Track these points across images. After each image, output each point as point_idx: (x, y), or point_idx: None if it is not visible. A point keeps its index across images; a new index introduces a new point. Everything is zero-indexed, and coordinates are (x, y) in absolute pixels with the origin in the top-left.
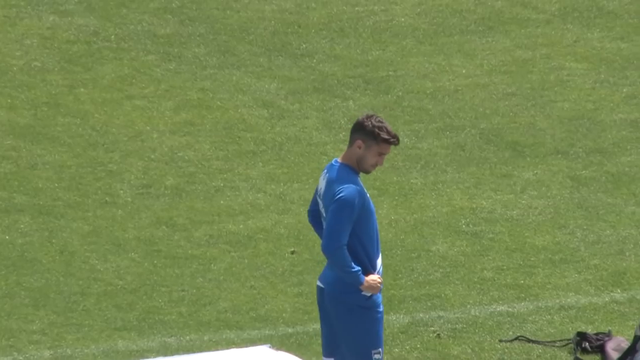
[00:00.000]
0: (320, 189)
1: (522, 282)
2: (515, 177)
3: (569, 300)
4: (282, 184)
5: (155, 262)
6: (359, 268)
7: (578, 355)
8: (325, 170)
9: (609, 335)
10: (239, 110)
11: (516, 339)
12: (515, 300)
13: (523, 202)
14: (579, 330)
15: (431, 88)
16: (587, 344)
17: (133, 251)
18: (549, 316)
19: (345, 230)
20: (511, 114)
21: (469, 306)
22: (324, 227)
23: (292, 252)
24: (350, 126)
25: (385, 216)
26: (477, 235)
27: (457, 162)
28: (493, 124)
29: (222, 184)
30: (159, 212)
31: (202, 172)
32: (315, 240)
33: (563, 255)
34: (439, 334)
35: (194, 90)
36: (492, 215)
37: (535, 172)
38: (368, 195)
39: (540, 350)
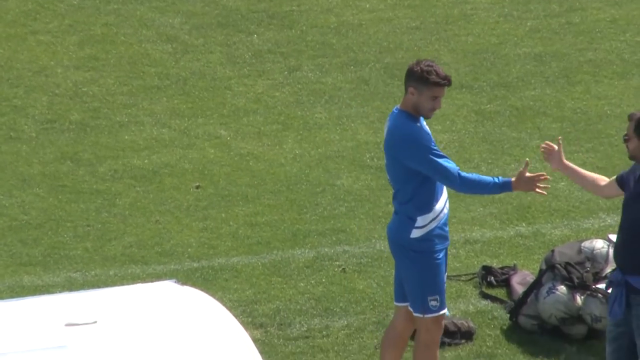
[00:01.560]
0: (385, 139)
1: None
2: None
3: (474, 234)
4: (186, 119)
5: (60, 197)
6: (497, 185)
7: (483, 289)
8: (388, 119)
9: (514, 269)
10: (143, 45)
11: None
12: None
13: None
14: (484, 264)
15: (335, 22)
16: (492, 278)
17: (38, 186)
18: (454, 250)
19: (444, 162)
20: (415, 48)
21: (374, 240)
22: (433, 173)
23: (197, 187)
24: (254, 61)
25: (289, 151)
26: (382, 170)
27: (362, 96)
28: (397, 59)
29: (126, 119)
30: (63, 147)
31: (106, 107)
32: (219, 175)
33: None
34: (344, 269)
35: (97, 25)
36: None
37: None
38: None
39: (447, 285)
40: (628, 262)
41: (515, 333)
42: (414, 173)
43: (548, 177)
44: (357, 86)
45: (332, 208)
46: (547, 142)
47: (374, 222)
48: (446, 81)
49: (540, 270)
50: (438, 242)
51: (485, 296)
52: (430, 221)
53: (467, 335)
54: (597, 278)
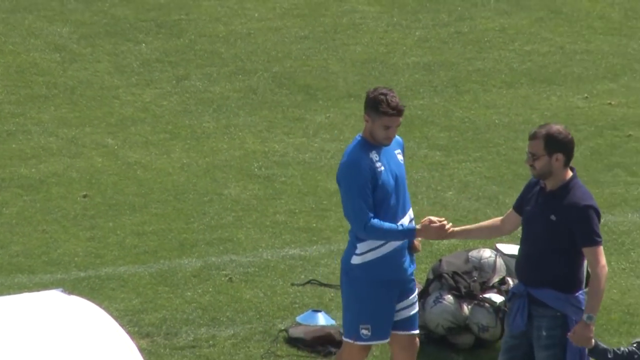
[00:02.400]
0: None
1: (314, 225)
2: (307, 120)
3: None
4: (74, 128)
5: None
6: (400, 225)
7: None
8: None
9: None
10: (31, 54)
11: (308, 282)
12: (308, 244)
13: (315, 145)
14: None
15: (224, 31)
16: None
17: None
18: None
19: (360, 205)
20: (304, 57)
21: (261, 250)
22: (345, 213)
23: (84, 196)
24: (142, 70)
25: (177, 160)
26: (270, 179)
27: (250, 105)
28: (285, 68)
29: (14, 128)
30: None
31: None
32: (107, 184)
33: None
34: (231, 278)
35: None
36: (285, 159)
37: (327, 115)
38: (384, 167)
39: (332, 294)
40: (531, 275)
41: None
42: None
43: (447, 225)
44: (245, 95)
45: (220, 217)
46: (429, 218)
47: (261, 231)
48: (395, 111)
49: (428, 279)
50: (380, 274)
51: None
52: (368, 251)
53: None
54: (485, 287)
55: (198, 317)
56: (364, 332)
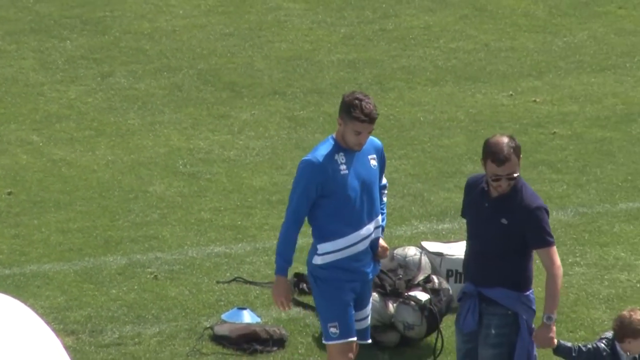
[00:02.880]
0: None
1: (239, 223)
2: (232, 117)
3: None
4: None
5: None
6: (282, 260)
7: (295, 296)
8: None
9: None
10: None
11: (234, 280)
12: (233, 242)
13: (241, 142)
14: (297, 271)
15: (149, 28)
16: (304, 285)
17: None
18: (266, 257)
19: (296, 202)
20: (229, 54)
21: (186, 247)
22: None
23: (9, 193)
24: (67, 67)
25: (102, 157)
26: (195, 176)
27: (175, 102)
28: (210, 65)
29: None
30: None
31: None
32: (32, 181)
33: (280, 195)
34: (156, 275)
35: None
36: (210, 156)
37: (252, 112)
38: (348, 170)
39: (257, 292)
40: (481, 274)
41: None
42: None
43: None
44: (171, 92)
45: (145, 215)
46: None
47: (186, 229)
48: (367, 118)
49: None
50: (342, 274)
51: (297, 303)
52: (328, 252)
53: (279, 342)
54: (410, 285)
55: (123, 314)
56: (332, 330)
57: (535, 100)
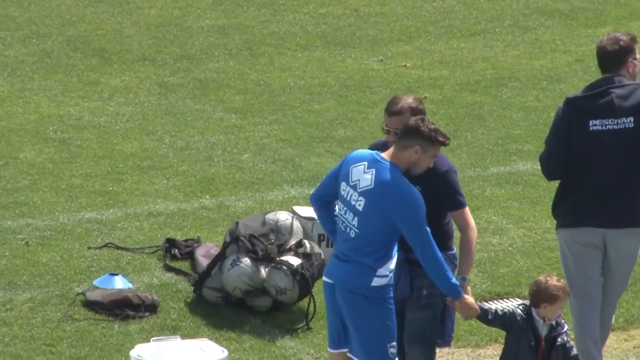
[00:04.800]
0: (357, 181)
1: (110, 188)
2: (102, 84)
3: (157, 206)
4: None
5: None
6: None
7: (167, 262)
8: (367, 164)
9: (198, 241)
10: None
11: (105, 245)
12: (104, 207)
13: (111, 109)
14: (168, 236)
15: None
16: (176, 250)
17: None
18: (137, 223)
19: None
20: (98, 20)
21: (57, 213)
22: (415, 240)
23: None
24: None
25: None
26: (65, 142)
27: (44, 69)
28: (80, 31)
29: None
30: None
31: None
32: None
33: (152, 161)
34: (27, 242)
35: None
36: (80, 122)
37: (122, 78)
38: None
39: (129, 257)
40: (402, 241)
41: (199, 306)
42: (395, 229)
43: None
44: (40, 59)
45: (15, 181)
46: None
47: (57, 195)
48: (449, 141)
49: (225, 242)
50: (391, 290)
51: (169, 269)
52: (387, 275)
53: (151, 308)
54: (282, 250)
55: None
56: (392, 350)
57: (405, 65)
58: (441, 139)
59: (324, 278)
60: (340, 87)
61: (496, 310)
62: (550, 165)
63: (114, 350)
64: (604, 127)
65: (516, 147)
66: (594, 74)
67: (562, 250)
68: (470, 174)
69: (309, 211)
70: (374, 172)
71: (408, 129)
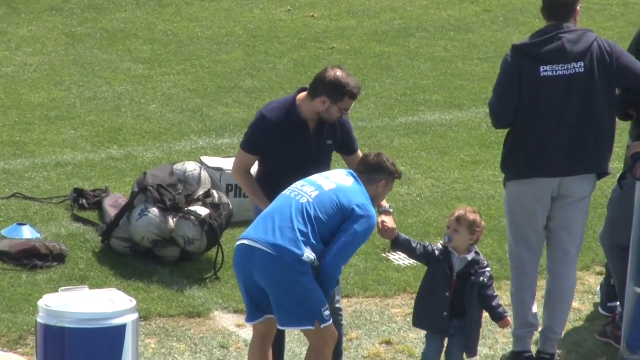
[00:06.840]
0: (316, 179)
1: (18, 139)
2: (10, 34)
3: (65, 157)
4: None
5: None
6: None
7: (75, 212)
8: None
9: (106, 191)
10: None
11: (13, 195)
12: (12, 158)
13: (18, 59)
14: (76, 186)
15: None
16: (84, 200)
17: None
18: (45, 173)
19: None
20: None
21: None
22: (335, 241)
23: None
24: None
25: None
26: None
27: None
28: None
29: None
30: None
31: None
32: None
33: (59, 112)
34: None
35: None
36: None
37: (30, 29)
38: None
39: (37, 207)
40: None
41: (107, 256)
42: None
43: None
44: None
45: None
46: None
47: None
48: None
49: (133, 192)
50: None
51: (77, 219)
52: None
53: (59, 258)
54: (190, 200)
55: None
56: (327, 312)
57: (313, 16)
58: (398, 175)
59: (244, 241)
60: (248, 37)
61: (419, 242)
62: (501, 113)
63: (22, 301)
64: (554, 73)
65: (424, 97)
66: (502, 24)
67: (509, 201)
68: (378, 124)
69: (216, 161)
70: (336, 176)
71: (373, 164)
